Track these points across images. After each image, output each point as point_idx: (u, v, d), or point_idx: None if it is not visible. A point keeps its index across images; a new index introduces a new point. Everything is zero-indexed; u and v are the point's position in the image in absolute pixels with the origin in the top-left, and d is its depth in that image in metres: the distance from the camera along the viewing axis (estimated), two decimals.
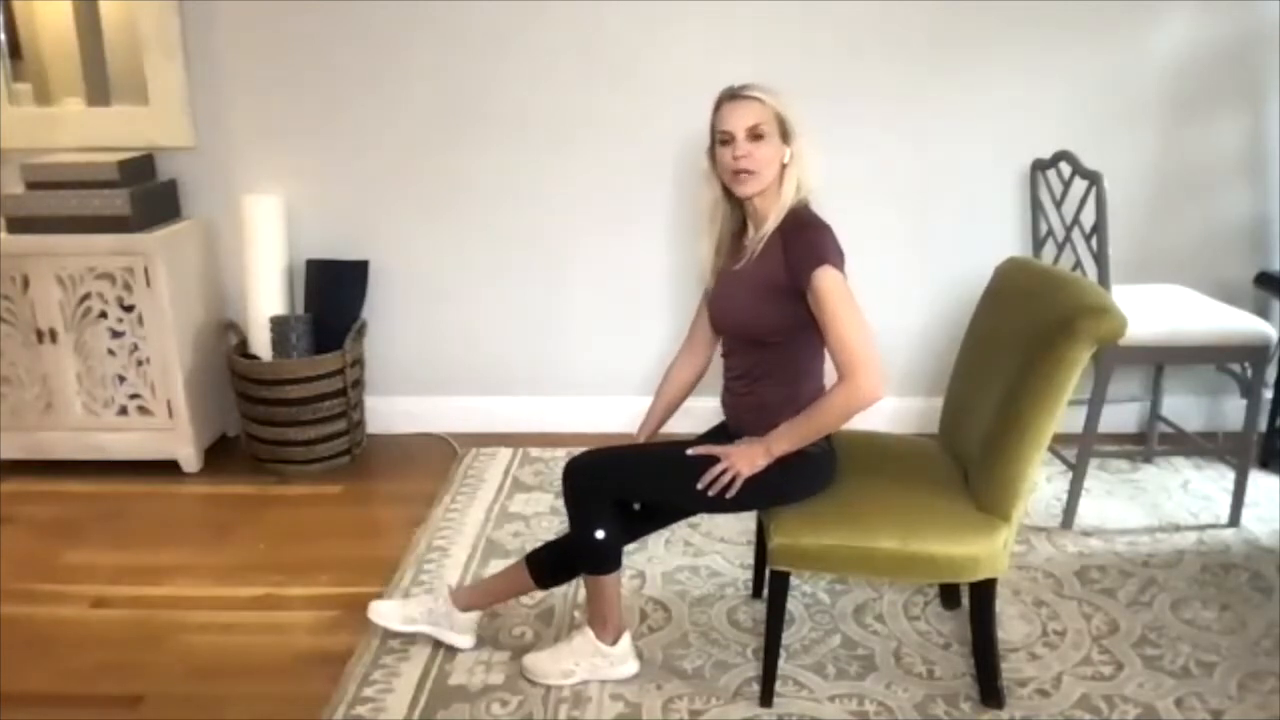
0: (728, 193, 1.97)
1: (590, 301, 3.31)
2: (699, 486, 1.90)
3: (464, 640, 2.18)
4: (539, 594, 2.38)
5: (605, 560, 2.01)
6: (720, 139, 1.91)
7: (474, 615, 2.18)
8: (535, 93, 3.10)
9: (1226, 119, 3.08)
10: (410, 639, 2.22)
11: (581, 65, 3.07)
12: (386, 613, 2.21)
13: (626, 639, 2.10)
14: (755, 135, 1.87)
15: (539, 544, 2.20)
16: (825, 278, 1.82)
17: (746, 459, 1.89)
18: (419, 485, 3.06)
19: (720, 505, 1.95)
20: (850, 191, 3.12)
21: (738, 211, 2.01)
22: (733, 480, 1.89)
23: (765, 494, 1.96)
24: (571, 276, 3.29)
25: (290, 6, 3.04)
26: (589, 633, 2.07)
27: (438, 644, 2.20)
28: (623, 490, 2.02)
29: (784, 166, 1.91)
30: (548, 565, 2.11)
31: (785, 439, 1.88)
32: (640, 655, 2.16)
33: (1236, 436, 2.77)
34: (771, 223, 1.91)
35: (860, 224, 3.12)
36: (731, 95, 1.91)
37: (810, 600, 2.39)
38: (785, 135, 1.90)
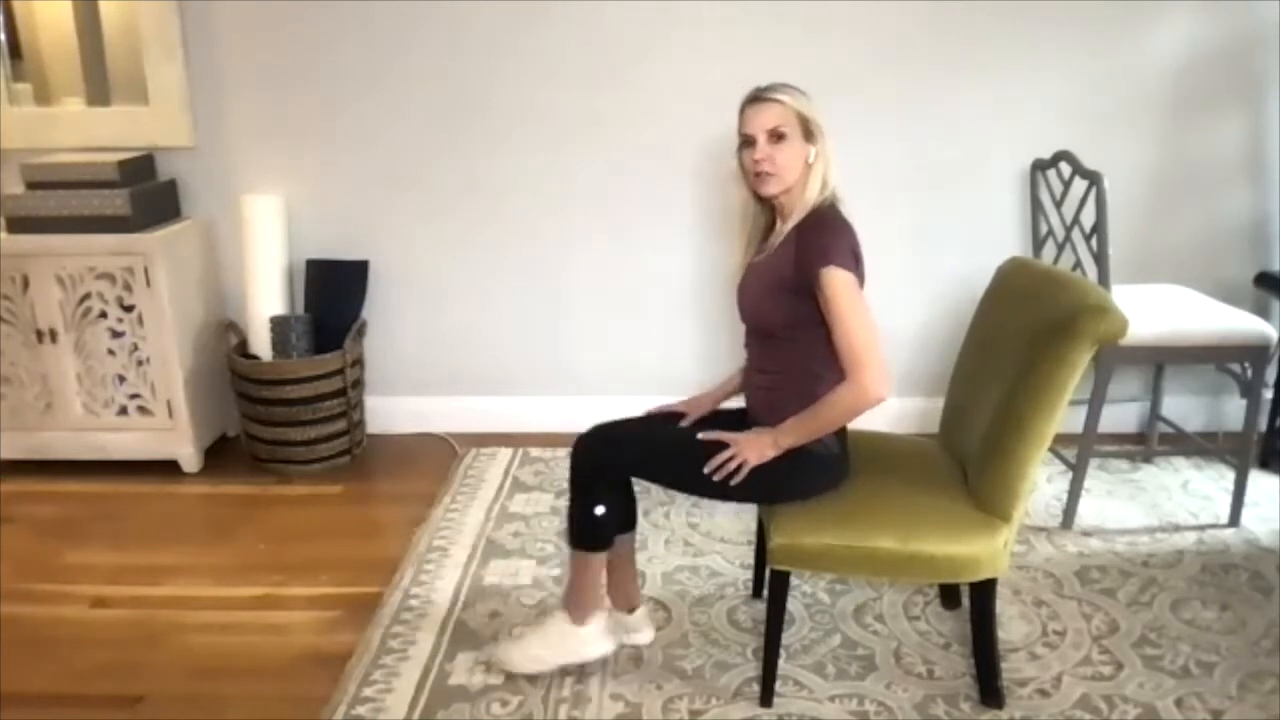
0: (756, 192, 1.98)
1: (590, 301, 3.31)
2: (705, 471, 1.91)
3: (644, 635, 2.17)
4: (538, 594, 2.41)
5: (598, 538, 2.02)
6: (743, 141, 1.94)
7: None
8: (536, 92, 3.10)
9: (1226, 119, 3.08)
10: (410, 639, 2.22)
11: (582, 65, 3.07)
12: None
13: (599, 619, 2.09)
14: (776, 137, 1.90)
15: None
16: (833, 277, 1.84)
17: (755, 448, 1.90)
18: (419, 485, 3.06)
19: (724, 493, 1.95)
20: (850, 191, 3.11)
21: (768, 210, 2.03)
22: (739, 468, 1.90)
23: (770, 487, 1.96)
24: (571, 276, 3.29)
25: (290, 6, 3.04)
26: (559, 615, 2.08)
27: (437, 644, 2.21)
28: (632, 469, 2.03)
29: (809, 165, 1.92)
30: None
31: (792, 433, 1.90)
32: (640, 655, 2.16)
33: (1236, 436, 2.77)
34: (793, 220, 1.94)
35: (861, 224, 3.12)
36: (754, 98, 1.94)
37: (810, 600, 2.39)
38: (809, 135, 1.92)
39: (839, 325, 1.84)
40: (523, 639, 2.12)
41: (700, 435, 1.97)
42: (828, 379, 1.94)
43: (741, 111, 1.95)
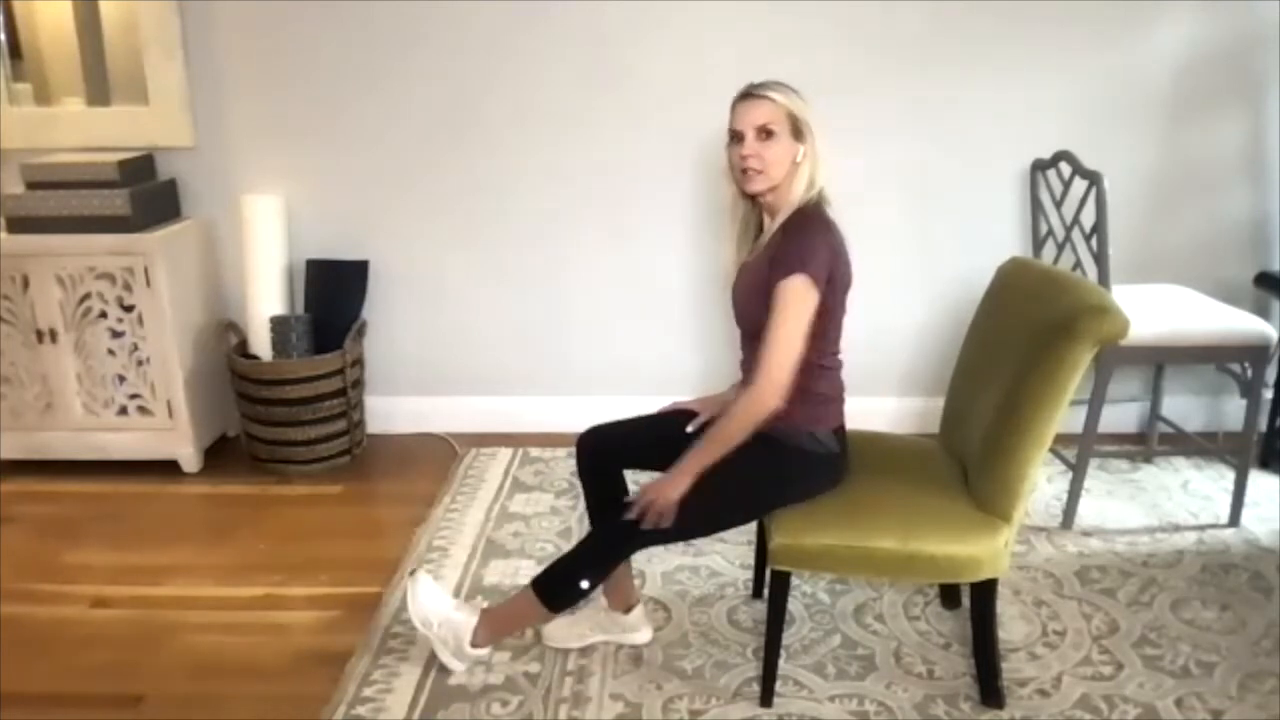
0: (742, 190, 1.98)
1: (590, 301, 3.31)
2: (628, 518, 1.91)
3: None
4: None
5: (567, 603, 2.04)
6: (732, 136, 1.94)
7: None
8: (536, 92, 3.10)
9: (1226, 119, 3.08)
10: (410, 639, 2.22)
11: (582, 65, 3.07)
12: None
13: (483, 653, 2.11)
14: (764, 134, 1.89)
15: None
16: (791, 283, 1.84)
17: (671, 487, 1.89)
18: (419, 485, 3.06)
19: (731, 521, 1.96)
20: (851, 192, 3.10)
21: (756, 207, 2.02)
22: (669, 507, 1.88)
23: (771, 496, 1.97)
24: (571, 276, 3.29)
25: (290, 6, 3.04)
26: (473, 622, 2.07)
27: None
28: (657, 541, 2.06)
29: (796, 164, 1.92)
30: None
31: (699, 455, 1.90)
32: (640, 655, 2.17)
33: (1236, 436, 2.78)
34: (780, 219, 1.93)
35: (861, 224, 3.11)
36: (745, 94, 1.93)
37: (810, 600, 2.39)
38: (798, 134, 1.91)
39: (772, 330, 1.85)
40: (440, 598, 2.11)
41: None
42: (818, 376, 1.94)
43: (732, 107, 1.94)
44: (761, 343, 1.86)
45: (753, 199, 1.99)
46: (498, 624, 2.10)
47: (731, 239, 2.07)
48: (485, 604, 2.26)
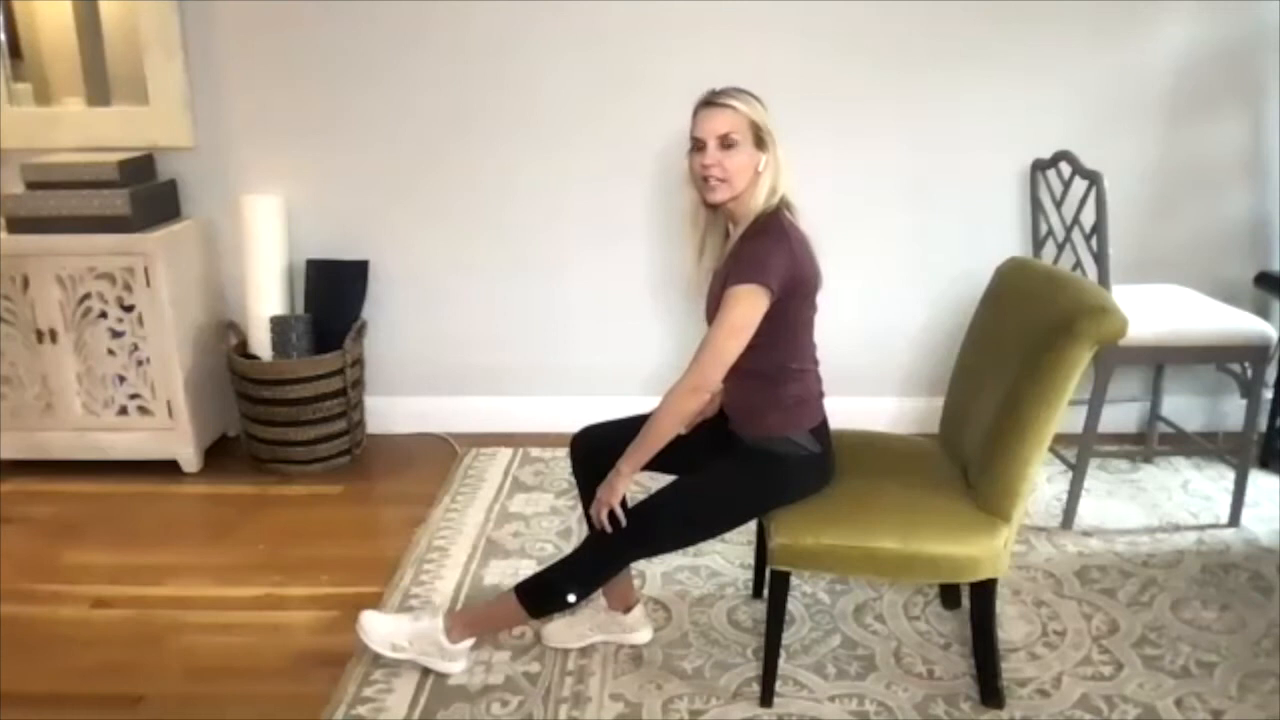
0: (704, 199, 1.97)
1: (590, 301, 3.31)
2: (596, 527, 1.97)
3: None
4: None
5: (549, 612, 2.07)
6: (694, 144, 1.91)
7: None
8: (536, 93, 3.10)
9: (1226, 119, 3.08)
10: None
11: (582, 66, 3.07)
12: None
13: (466, 645, 2.11)
14: (726, 144, 1.87)
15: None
16: (737, 291, 1.83)
17: (607, 490, 1.93)
18: (419, 485, 3.06)
19: (718, 528, 1.98)
20: (851, 192, 3.12)
21: (720, 215, 2.00)
22: (615, 512, 1.92)
23: (751, 502, 1.98)
24: (571, 276, 3.29)
25: (290, 6, 3.04)
26: (440, 623, 2.08)
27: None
28: (651, 551, 2.09)
29: (758, 173, 1.90)
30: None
31: (630, 456, 1.93)
32: (640, 655, 2.17)
33: (1236, 436, 2.77)
34: (743, 228, 1.93)
35: (861, 225, 3.15)
36: (706, 102, 1.91)
37: (810, 600, 2.39)
38: (760, 142, 1.89)
39: (710, 332, 1.87)
40: (398, 620, 2.13)
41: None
42: (791, 380, 1.94)
43: (694, 115, 1.92)
44: (703, 342, 1.87)
45: (715, 208, 1.97)
46: (474, 622, 2.11)
47: (693, 246, 2.05)
48: (440, 603, 2.29)
